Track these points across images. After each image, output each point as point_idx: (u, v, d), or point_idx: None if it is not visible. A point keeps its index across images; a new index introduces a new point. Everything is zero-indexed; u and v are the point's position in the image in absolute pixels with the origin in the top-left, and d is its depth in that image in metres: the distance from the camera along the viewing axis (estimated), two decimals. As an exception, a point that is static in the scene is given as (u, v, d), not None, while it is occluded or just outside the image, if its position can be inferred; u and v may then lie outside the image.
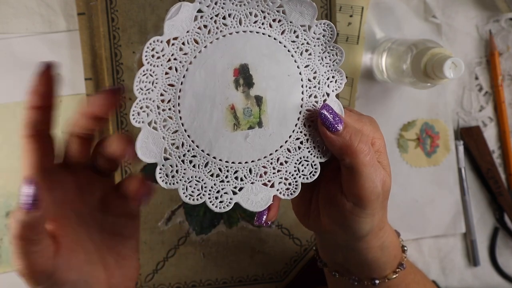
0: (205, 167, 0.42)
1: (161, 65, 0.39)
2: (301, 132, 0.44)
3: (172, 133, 0.41)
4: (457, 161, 0.77)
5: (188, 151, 0.41)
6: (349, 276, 0.53)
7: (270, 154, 0.43)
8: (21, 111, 0.70)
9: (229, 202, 0.43)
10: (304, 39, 0.43)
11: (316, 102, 0.44)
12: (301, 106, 0.44)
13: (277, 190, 0.44)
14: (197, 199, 0.42)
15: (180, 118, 0.40)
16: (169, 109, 0.40)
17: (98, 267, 0.44)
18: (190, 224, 0.71)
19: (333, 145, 0.43)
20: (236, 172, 0.43)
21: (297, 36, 0.43)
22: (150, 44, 0.39)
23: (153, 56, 0.39)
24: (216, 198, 0.42)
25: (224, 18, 0.41)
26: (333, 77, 0.45)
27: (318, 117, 0.43)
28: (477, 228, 0.78)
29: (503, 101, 0.77)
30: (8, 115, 0.70)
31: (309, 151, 0.45)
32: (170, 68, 0.40)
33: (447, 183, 0.77)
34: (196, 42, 0.40)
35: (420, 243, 0.78)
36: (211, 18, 0.40)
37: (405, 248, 0.54)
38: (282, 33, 0.43)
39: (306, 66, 0.44)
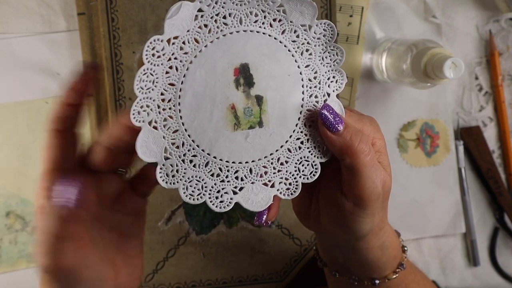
0: (205, 166, 0.42)
1: (162, 64, 0.39)
2: (301, 132, 0.44)
3: (172, 133, 0.41)
4: (457, 161, 0.77)
5: (189, 150, 0.41)
6: (349, 276, 0.53)
7: (271, 154, 0.43)
8: (21, 111, 0.70)
9: (230, 202, 0.43)
10: (305, 39, 0.43)
11: (317, 102, 0.44)
12: (302, 106, 0.44)
13: (278, 190, 0.44)
14: (197, 199, 0.42)
15: (181, 117, 0.40)
16: (170, 108, 0.40)
17: (108, 266, 0.45)
18: (190, 224, 0.71)
19: (333, 145, 0.43)
20: (236, 172, 0.43)
21: (297, 36, 0.43)
22: (151, 43, 0.39)
23: (153, 55, 0.39)
24: (217, 198, 0.42)
25: (224, 17, 0.41)
26: (333, 77, 0.45)
27: (318, 117, 0.43)
28: (477, 228, 0.78)
29: (503, 101, 0.77)
30: (8, 115, 0.70)
31: (309, 151, 0.45)
32: (170, 67, 0.40)
33: (447, 183, 0.77)
34: (197, 41, 0.40)
35: (420, 243, 0.78)
36: (211, 18, 0.40)
37: (405, 248, 0.54)
38: (283, 32, 0.43)
39: (307, 66, 0.44)
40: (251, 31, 0.42)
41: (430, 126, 0.76)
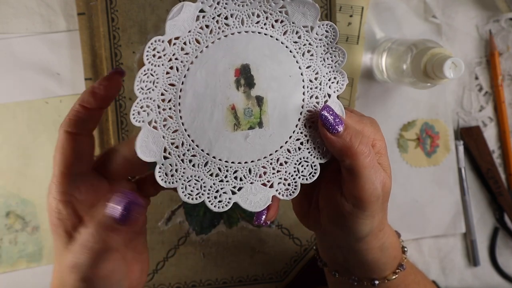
0: (204, 166, 0.42)
1: (162, 64, 0.39)
2: (301, 133, 0.44)
3: (172, 133, 0.41)
4: (457, 161, 0.77)
5: (188, 150, 0.41)
6: (349, 276, 0.53)
7: (270, 155, 0.43)
8: (21, 111, 0.70)
9: (228, 202, 0.43)
10: (306, 40, 0.43)
11: (317, 103, 0.44)
12: (302, 107, 0.44)
13: (276, 190, 0.44)
14: (196, 199, 0.42)
15: (181, 117, 0.40)
16: (170, 108, 0.40)
17: (124, 264, 0.45)
18: (190, 224, 0.71)
19: (333, 147, 0.43)
20: (235, 172, 0.43)
21: (299, 37, 0.43)
22: (152, 43, 0.39)
23: (154, 55, 0.39)
24: (215, 197, 0.42)
25: (226, 18, 0.41)
26: (334, 78, 0.45)
27: (318, 118, 0.43)
28: (477, 228, 0.78)
29: (503, 101, 0.77)
30: (8, 115, 0.70)
31: (309, 152, 0.45)
32: (171, 67, 0.40)
33: (447, 183, 0.77)
34: (198, 42, 0.40)
35: (420, 243, 0.78)
36: (213, 18, 0.40)
37: (405, 249, 0.54)
38: (284, 33, 0.43)
39: (308, 67, 0.44)
40: (252, 32, 0.42)
41: (430, 126, 0.76)
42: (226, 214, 0.72)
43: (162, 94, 0.40)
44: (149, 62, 0.39)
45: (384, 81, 0.74)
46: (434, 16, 0.75)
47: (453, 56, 0.61)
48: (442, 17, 0.76)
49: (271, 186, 0.44)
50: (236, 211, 0.72)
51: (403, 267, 0.53)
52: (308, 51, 0.44)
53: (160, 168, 0.41)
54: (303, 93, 0.44)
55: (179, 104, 0.40)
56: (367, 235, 0.48)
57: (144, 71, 0.39)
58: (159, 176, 0.41)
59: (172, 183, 0.41)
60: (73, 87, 0.71)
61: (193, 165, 0.41)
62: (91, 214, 0.42)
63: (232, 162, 0.42)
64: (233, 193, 0.43)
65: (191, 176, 0.41)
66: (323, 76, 0.44)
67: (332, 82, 0.45)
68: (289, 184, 0.44)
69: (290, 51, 0.43)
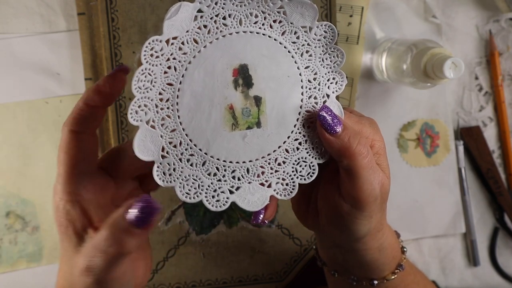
0: (202, 166, 0.42)
1: (160, 64, 0.39)
2: (300, 133, 0.44)
3: (170, 132, 0.41)
4: (457, 161, 0.77)
5: (186, 149, 0.41)
6: (348, 276, 0.53)
7: (268, 155, 0.43)
8: (21, 111, 0.70)
9: (226, 201, 0.43)
10: (305, 40, 0.43)
11: (316, 103, 0.44)
12: (301, 107, 0.44)
13: (274, 190, 0.44)
14: (193, 198, 0.42)
15: (179, 117, 0.40)
16: (168, 108, 0.40)
17: (131, 262, 0.45)
18: (190, 224, 0.71)
19: (331, 147, 0.43)
20: (233, 171, 0.43)
21: (297, 37, 0.43)
22: (149, 43, 0.39)
23: (152, 55, 0.39)
24: (213, 197, 0.42)
25: (224, 18, 0.41)
26: (333, 78, 0.45)
27: (317, 118, 0.43)
28: (477, 228, 0.78)
29: (503, 101, 0.77)
30: (8, 115, 0.70)
31: (307, 152, 0.45)
32: (169, 67, 0.40)
33: (447, 183, 0.77)
34: (196, 42, 0.40)
35: (420, 243, 0.78)
36: (211, 18, 0.40)
37: (405, 249, 0.54)
38: (283, 34, 0.43)
39: (307, 67, 0.44)
40: (250, 32, 0.42)
41: (430, 126, 0.76)
42: (226, 214, 0.72)
43: (160, 94, 0.40)
44: (146, 62, 0.39)
45: (384, 81, 0.74)
46: (434, 16, 0.75)
47: (453, 56, 0.61)
48: (442, 17, 0.76)
49: (269, 186, 0.44)
50: (236, 211, 0.72)
51: (402, 268, 0.52)
52: (307, 52, 0.44)
53: (158, 167, 0.41)
54: (302, 94, 0.44)
55: (177, 103, 0.40)
56: (365, 235, 0.48)
57: (142, 70, 0.39)
58: (157, 175, 0.41)
59: (170, 182, 0.41)
60: (73, 87, 0.71)
61: (191, 165, 0.41)
62: (106, 216, 0.42)
63: (230, 162, 0.42)
64: (231, 192, 0.43)
65: (189, 175, 0.41)
66: (322, 77, 0.44)
67: (331, 83, 0.45)
68: (287, 184, 0.44)
69: (289, 52, 0.43)
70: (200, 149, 0.41)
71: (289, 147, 0.44)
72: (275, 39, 0.42)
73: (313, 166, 0.45)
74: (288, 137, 0.44)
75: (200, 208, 0.72)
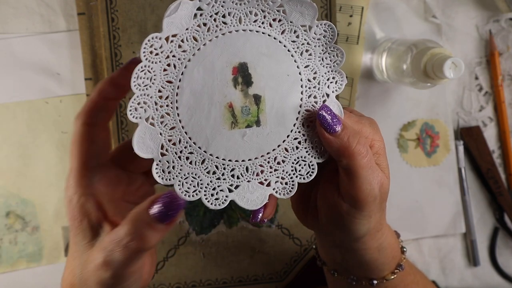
0: (201, 164, 0.42)
1: (160, 61, 0.39)
2: (299, 132, 0.44)
3: (169, 130, 0.41)
4: (457, 161, 0.77)
5: (185, 147, 0.41)
6: (348, 276, 0.53)
7: (268, 153, 0.43)
8: (21, 111, 0.70)
9: (225, 200, 0.43)
10: (305, 39, 0.43)
11: (316, 102, 0.44)
12: (300, 106, 0.44)
13: (273, 189, 0.44)
14: (192, 196, 0.42)
15: (178, 114, 0.40)
16: (167, 105, 0.40)
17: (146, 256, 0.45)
18: (190, 224, 0.71)
19: (330, 146, 0.43)
20: (232, 170, 0.43)
21: (297, 36, 0.43)
22: (149, 40, 0.39)
23: (151, 52, 0.39)
24: (212, 195, 0.42)
25: (223, 16, 0.41)
26: (333, 78, 0.45)
27: (316, 117, 0.43)
28: (477, 228, 0.78)
29: (503, 101, 0.77)
30: (8, 115, 0.70)
31: (307, 151, 0.45)
32: (168, 65, 0.40)
33: (447, 183, 0.77)
34: (195, 39, 0.40)
35: (420, 243, 0.78)
36: (210, 16, 0.40)
37: (405, 249, 0.54)
38: (282, 32, 0.43)
39: (306, 66, 0.44)
40: (250, 30, 0.42)
41: (430, 126, 0.76)
42: (226, 214, 0.72)
43: (159, 91, 0.40)
44: (146, 59, 0.39)
45: (384, 81, 0.74)
46: (434, 16, 0.75)
47: (453, 56, 0.61)
48: (442, 17, 0.76)
49: (268, 185, 0.44)
50: (236, 211, 0.72)
51: (402, 268, 0.52)
52: (307, 51, 0.43)
53: (157, 164, 0.41)
54: (301, 93, 0.44)
55: (176, 101, 0.40)
56: (364, 235, 0.47)
57: (141, 67, 0.39)
58: (156, 173, 0.41)
59: (169, 179, 0.41)
60: (73, 87, 0.71)
61: (190, 163, 0.41)
62: (118, 210, 0.41)
63: (229, 160, 0.42)
64: (230, 191, 0.43)
65: (188, 173, 0.41)
66: (322, 76, 0.44)
67: (331, 82, 0.45)
68: (286, 183, 0.44)
69: (288, 50, 0.43)
70: (199, 147, 0.41)
71: (288, 146, 0.44)
72: (274, 38, 0.42)
73: (312, 165, 0.45)
74: (288, 136, 0.44)
75: (200, 208, 0.72)
